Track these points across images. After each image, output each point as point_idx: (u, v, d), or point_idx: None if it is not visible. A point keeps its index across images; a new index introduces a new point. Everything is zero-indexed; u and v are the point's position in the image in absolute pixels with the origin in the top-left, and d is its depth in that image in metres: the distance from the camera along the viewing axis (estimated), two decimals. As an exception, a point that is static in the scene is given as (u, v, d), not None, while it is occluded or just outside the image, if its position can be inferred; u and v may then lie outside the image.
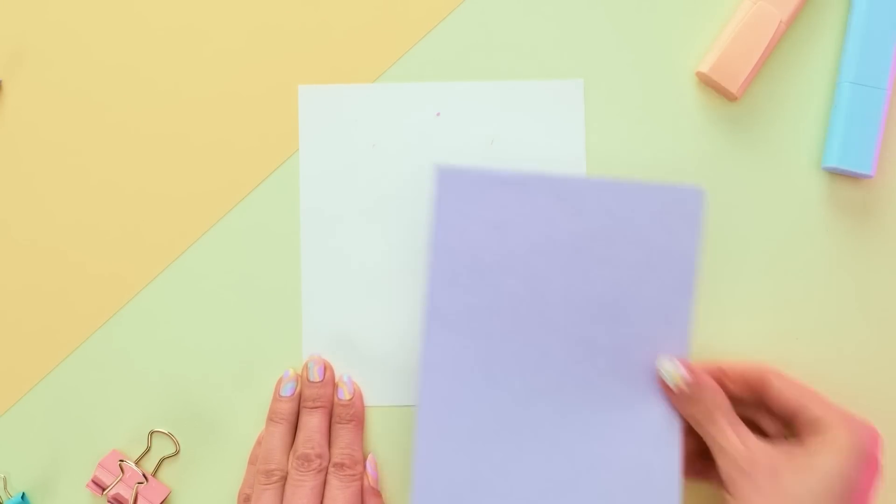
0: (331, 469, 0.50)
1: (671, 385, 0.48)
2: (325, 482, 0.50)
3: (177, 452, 0.53)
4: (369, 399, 0.53)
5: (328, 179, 0.53)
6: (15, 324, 0.54)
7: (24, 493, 0.53)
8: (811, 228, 0.53)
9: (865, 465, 0.45)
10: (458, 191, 0.49)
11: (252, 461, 0.52)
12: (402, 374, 0.53)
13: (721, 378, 0.49)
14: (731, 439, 0.46)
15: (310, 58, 0.54)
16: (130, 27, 0.55)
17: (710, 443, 0.47)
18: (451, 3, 0.54)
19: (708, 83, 0.53)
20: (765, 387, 0.48)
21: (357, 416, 0.52)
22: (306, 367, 0.52)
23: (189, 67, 0.54)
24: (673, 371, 0.48)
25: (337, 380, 0.52)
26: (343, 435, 0.51)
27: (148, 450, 0.53)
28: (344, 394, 0.52)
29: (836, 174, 0.53)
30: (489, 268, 0.49)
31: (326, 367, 0.52)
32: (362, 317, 0.53)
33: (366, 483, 0.51)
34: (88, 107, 0.54)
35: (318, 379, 0.52)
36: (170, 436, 0.53)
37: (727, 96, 0.53)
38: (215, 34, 0.54)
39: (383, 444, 0.53)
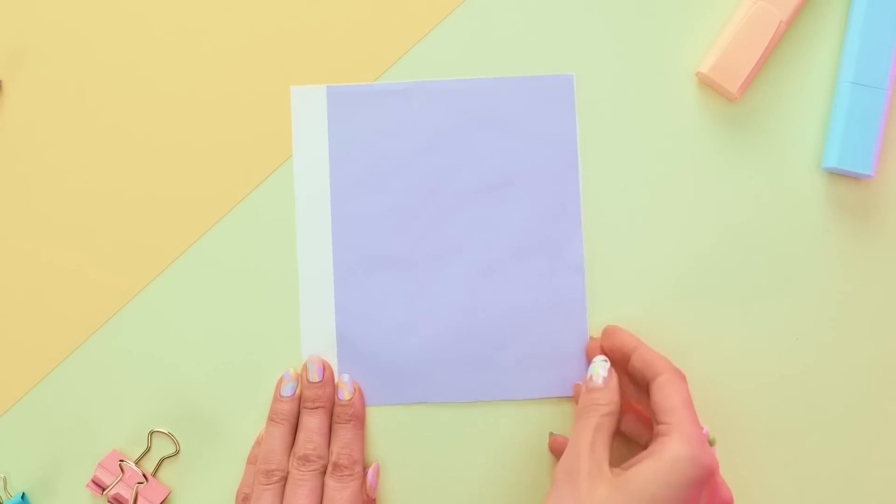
0: (329, 469, 0.50)
1: (589, 375, 0.49)
2: (323, 483, 0.50)
3: (177, 452, 0.53)
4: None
5: (323, 180, 0.53)
6: (15, 324, 0.54)
7: (24, 493, 0.53)
8: (811, 228, 0.53)
9: (690, 478, 0.43)
10: (348, 107, 0.53)
11: (251, 461, 0.52)
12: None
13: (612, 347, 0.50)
14: (582, 440, 0.46)
15: (307, 58, 0.54)
16: (130, 28, 0.55)
17: (570, 435, 0.47)
18: (451, 3, 0.54)
19: (708, 83, 0.54)
20: (651, 388, 0.48)
21: (357, 416, 0.51)
22: (305, 367, 0.52)
23: (188, 68, 0.54)
24: (598, 369, 0.49)
25: (337, 380, 0.52)
26: (342, 435, 0.51)
27: (148, 450, 0.53)
28: (344, 394, 0.52)
29: (836, 174, 0.53)
30: (385, 172, 0.53)
31: (325, 367, 0.52)
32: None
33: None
34: (88, 107, 0.54)
35: (317, 379, 0.52)
36: (170, 436, 0.53)
37: (727, 96, 0.53)
38: (214, 35, 0.54)
39: (384, 444, 0.53)
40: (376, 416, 0.53)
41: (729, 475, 0.52)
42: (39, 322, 0.54)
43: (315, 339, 0.53)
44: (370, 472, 0.51)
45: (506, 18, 0.54)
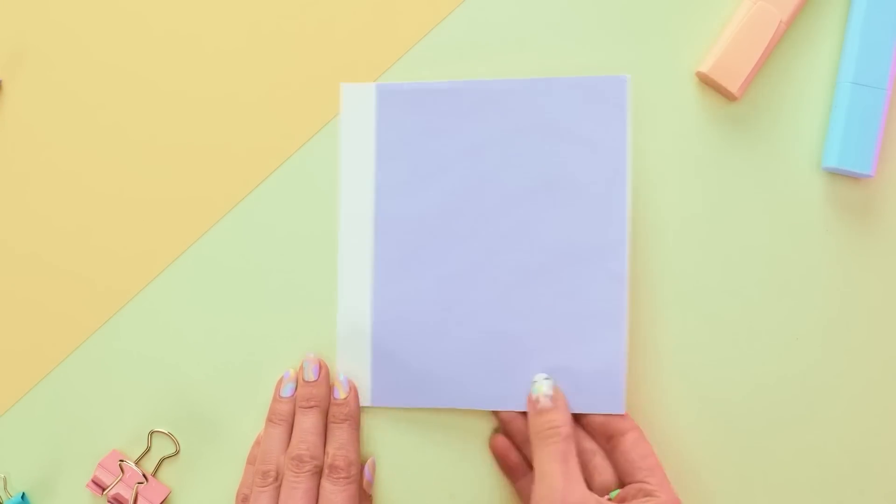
0: (325, 471, 0.49)
1: (533, 397, 0.49)
2: (319, 484, 0.49)
3: (177, 452, 0.53)
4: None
5: (369, 179, 0.53)
6: (15, 324, 0.54)
7: (24, 493, 0.53)
8: (811, 228, 0.53)
9: None
10: (396, 105, 0.53)
11: (251, 461, 0.52)
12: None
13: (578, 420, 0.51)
14: (555, 470, 0.46)
15: (313, 53, 0.54)
16: (130, 28, 0.55)
17: (536, 464, 0.47)
18: (450, 3, 0.54)
19: (708, 83, 0.53)
20: (618, 438, 0.49)
21: (351, 416, 0.51)
22: (302, 366, 0.52)
23: (186, 67, 0.54)
24: (541, 387, 0.49)
25: (332, 379, 0.52)
26: (338, 435, 0.50)
27: (148, 450, 0.53)
28: (339, 393, 0.51)
29: (836, 174, 0.53)
30: (430, 173, 0.52)
31: (321, 366, 0.52)
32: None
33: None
34: (88, 107, 0.54)
35: (312, 378, 0.51)
36: (170, 436, 0.53)
37: (727, 96, 0.53)
38: (214, 33, 0.54)
39: (386, 446, 0.53)
40: (381, 417, 0.53)
41: (729, 475, 0.53)
42: (40, 322, 0.54)
43: (350, 337, 0.52)
44: (366, 467, 0.51)
45: (505, 18, 0.54)
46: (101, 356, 0.54)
